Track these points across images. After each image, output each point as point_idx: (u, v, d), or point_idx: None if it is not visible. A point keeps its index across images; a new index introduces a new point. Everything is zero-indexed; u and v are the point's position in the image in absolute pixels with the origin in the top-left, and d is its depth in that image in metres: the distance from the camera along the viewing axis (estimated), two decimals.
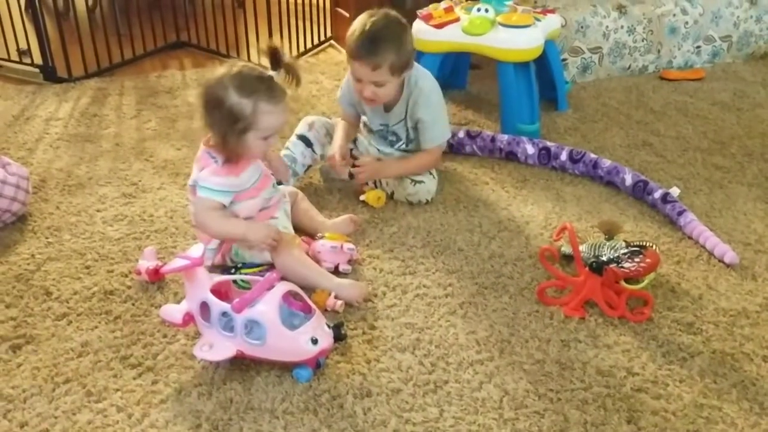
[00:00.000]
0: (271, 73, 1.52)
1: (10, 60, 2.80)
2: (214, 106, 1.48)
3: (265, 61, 1.54)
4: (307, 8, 3.07)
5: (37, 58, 2.72)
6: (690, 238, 1.77)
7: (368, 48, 1.75)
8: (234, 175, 1.53)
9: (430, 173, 1.93)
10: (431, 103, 1.89)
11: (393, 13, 1.84)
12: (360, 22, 1.79)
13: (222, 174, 1.52)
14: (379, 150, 2.01)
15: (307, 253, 1.63)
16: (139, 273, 1.57)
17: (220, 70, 1.51)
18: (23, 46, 2.78)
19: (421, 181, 1.89)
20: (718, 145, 2.28)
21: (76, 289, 1.55)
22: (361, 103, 1.94)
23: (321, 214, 1.80)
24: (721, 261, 1.68)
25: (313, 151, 1.97)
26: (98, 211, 1.86)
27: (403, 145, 1.98)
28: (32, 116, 2.43)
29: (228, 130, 1.47)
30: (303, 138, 1.97)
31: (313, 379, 1.30)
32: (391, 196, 1.92)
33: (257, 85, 1.48)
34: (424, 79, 1.89)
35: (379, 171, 1.90)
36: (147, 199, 1.92)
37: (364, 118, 2.02)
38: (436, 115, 1.91)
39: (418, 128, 1.92)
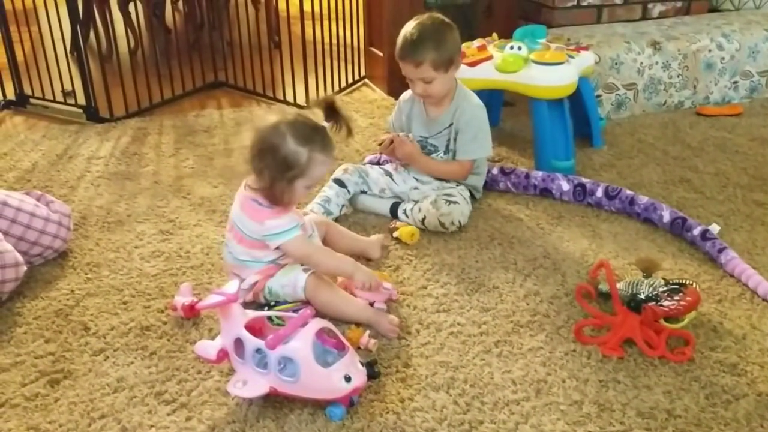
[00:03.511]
0: (324, 124, 1.55)
1: (55, 101, 2.89)
2: (269, 151, 1.50)
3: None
4: (341, 48, 3.13)
5: (81, 99, 2.81)
6: (731, 276, 1.73)
7: (409, 48, 1.89)
8: (288, 211, 1.57)
9: (465, 199, 1.95)
10: (476, 116, 1.99)
11: (436, 15, 1.95)
12: (405, 27, 1.93)
13: (280, 214, 1.55)
14: (416, 179, 2.05)
15: (346, 288, 1.63)
16: (174, 309, 1.59)
17: (273, 116, 1.54)
18: (68, 87, 2.88)
19: (455, 202, 1.90)
20: (758, 181, 2.24)
21: (113, 324, 1.57)
22: (409, 120, 2.06)
23: (350, 234, 1.84)
24: (764, 300, 1.64)
25: (348, 191, 2.01)
26: (136, 247, 1.89)
27: (441, 154, 2.04)
28: (75, 155, 2.50)
29: (278, 176, 1.49)
30: (337, 181, 2.01)
31: (346, 417, 1.29)
32: (422, 222, 1.92)
33: (313, 135, 1.51)
34: (472, 95, 2.02)
35: (413, 156, 2.00)
36: (184, 235, 1.95)
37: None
38: (478, 128, 1.99)
39: (457, 139, 1.99)
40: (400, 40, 1.92)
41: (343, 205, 2.00)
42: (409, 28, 1.92)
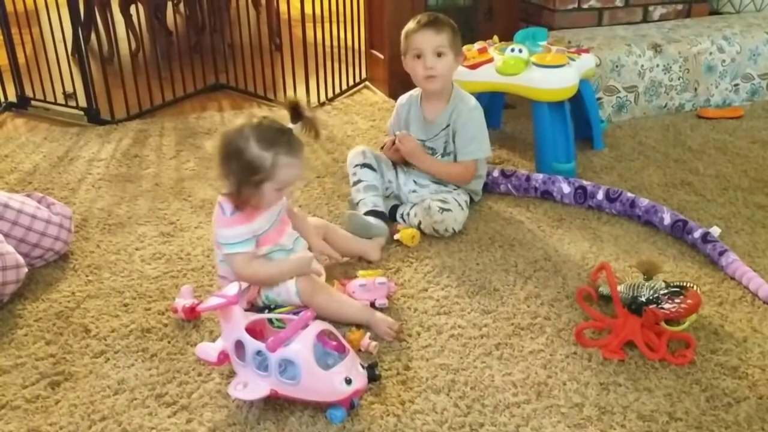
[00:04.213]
0: (290, 125, 1.53)
1: (56, 103, 2.89)
2: (233, 156, 1.48)
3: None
4: (342, 51, 3.13)
5: (82, 101, 2.82)
6: (732, 278, 1.73)
7: (430, 18, 1.96)
8: (247, 222, 1.53)
9: (459, 204, 1.94)
10: (473, 118, 2.00)
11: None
12: (412, 19, 1.99)
13: (234, 225, 1.52)
14: (416, 182, 2.05)
15: (344, 290, 1.63)
16: (175, 311, 1.59)
17: (239, 121, 1.52)
18: (69, 89, 2.88)
19: (448, 209, 1.89)
20: (759, 183, 2.24)
21: (114, 326, 1.57)
22: (407, 123, 2.06)
23: (349, 236, 1.84)
24: (765, 303, 1.64)
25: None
26: (137, 249, 1.89)
27: (439, 157, 2.05)
28: (76, 157, 2.50)
29: (244, 181, 1.48)
30: (366, 165, 2.00)
31: (346, 420, 1.29)
32: (418, 227, 1.92)
33: (278, 138, 1.49)
34: (469, 97, 2.04)
35: (416, 153, 2.00)
36: (184, 237, 1.95)
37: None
38: (476, 129, 2.01)
39: (455, 141, 2.00)
40: (413, 21, 1.96)
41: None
42: (419, 15, 1.97)
